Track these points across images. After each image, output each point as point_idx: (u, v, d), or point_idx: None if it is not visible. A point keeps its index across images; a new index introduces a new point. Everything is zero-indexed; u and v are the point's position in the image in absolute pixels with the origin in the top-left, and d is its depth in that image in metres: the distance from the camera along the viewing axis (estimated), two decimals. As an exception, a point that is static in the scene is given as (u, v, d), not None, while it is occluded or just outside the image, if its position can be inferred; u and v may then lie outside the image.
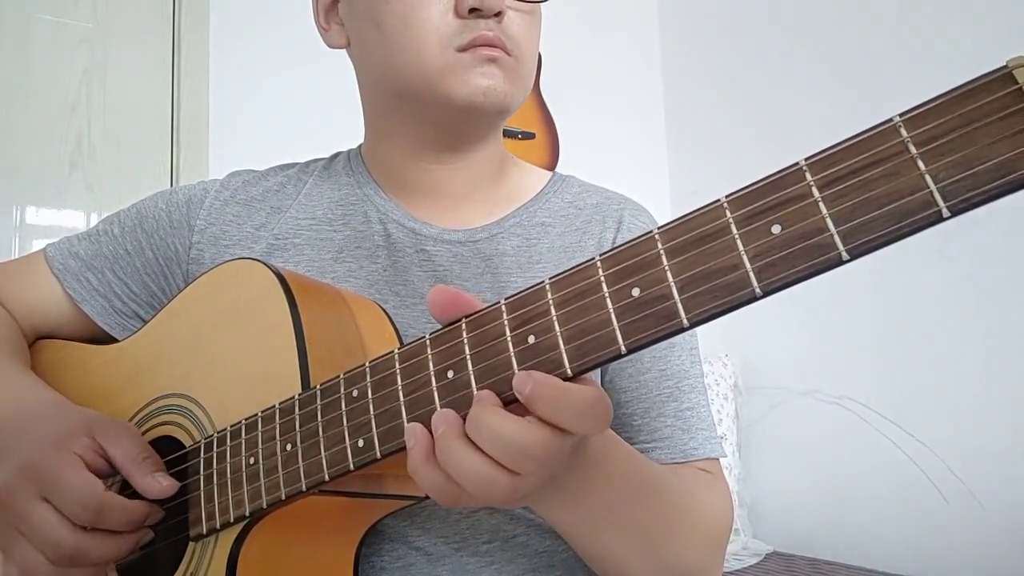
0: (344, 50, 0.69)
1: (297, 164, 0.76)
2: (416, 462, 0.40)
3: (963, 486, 1.72)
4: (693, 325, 0.33)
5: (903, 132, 0.29)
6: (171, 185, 1.81)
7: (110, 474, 0.54)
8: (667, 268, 0.34)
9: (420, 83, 0.61)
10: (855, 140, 0.30)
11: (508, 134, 2.29)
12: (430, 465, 0.40)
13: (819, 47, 2.16)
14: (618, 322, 0.35)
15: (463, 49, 0.59)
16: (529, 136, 2.34)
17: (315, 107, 1.83)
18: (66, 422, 0.55)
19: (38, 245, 1.67)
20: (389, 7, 0.61)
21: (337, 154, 0.76)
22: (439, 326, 0.43)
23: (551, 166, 2.31)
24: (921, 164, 0.28)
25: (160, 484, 0.52)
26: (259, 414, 0.50)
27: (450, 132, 0.65)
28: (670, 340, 0.66)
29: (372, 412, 0.44)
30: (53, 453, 0.51)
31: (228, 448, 0.51)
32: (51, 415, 0.57)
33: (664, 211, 2.13)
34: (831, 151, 0.31)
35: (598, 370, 0.66)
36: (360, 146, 0.75)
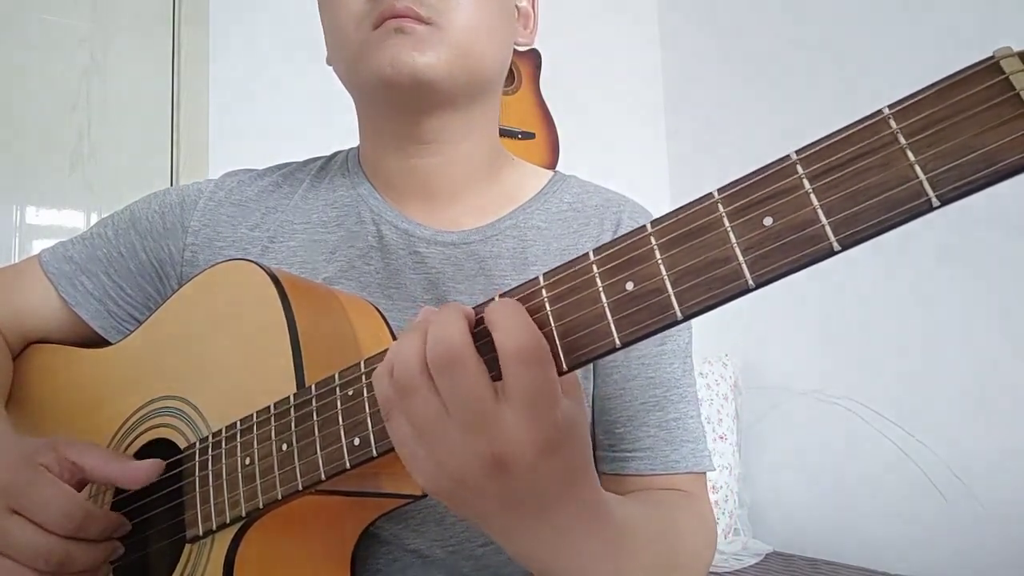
0: None
1: (293, 163, 0.75)
2: (381, 369, 0.40)
3: (963, 486, 1.72)
4: (687, 318, 0.34)
5: (892, 123, 0.29)
6: (171, 185, 1.81)
7: (82, 485, 0.54)
8: (660, 261, 0.34)
9: (351, 70, 0.62)
10: (845, 132, 0.30)
11: (508, 134, 2.29)
12: (391, 375, 0.39)
13: (818, 46, 2.16)
14: (612, 316, 0.35)
15: (376, 27, 0.58)
16: (529, 136, 2.34)
17: (315, 107, 1.83)
18: (23, 445, 0.54)
19: (38, 245, 1.68)
20: (323, 4, 0.63)
21: (336, 153, 0.76)
22: None
23: (551, 166, 2.31)
24: (911, 154, 0.28)
25: (146, 466, 0.53)
26: (254, 415, 0.50)
27: (403, 115, 0.64)
28: (661, 347, 0.66)
29: (368, 410, 0.44)
30: (19, 469, 0.51)
31: (224, 449, 0.51)
32: (4, 444, 0.56)
33: (664, 210, 2.12)
34: (822, 143, 0.31)
35: (590, 376, 0.66)
36: (358, 146, 0.75)
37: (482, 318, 0.38)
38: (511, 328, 0.36)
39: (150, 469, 0.53)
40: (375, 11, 0.58)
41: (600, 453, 0.65)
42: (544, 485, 0.39)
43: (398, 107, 0.63)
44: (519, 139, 2.32)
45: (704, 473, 0.65)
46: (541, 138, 2.37)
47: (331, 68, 0.67)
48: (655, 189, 2.60)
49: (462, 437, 0.37)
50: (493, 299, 0.40)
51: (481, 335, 0.38)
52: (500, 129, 0.73)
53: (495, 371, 0.37)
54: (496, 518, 0.41)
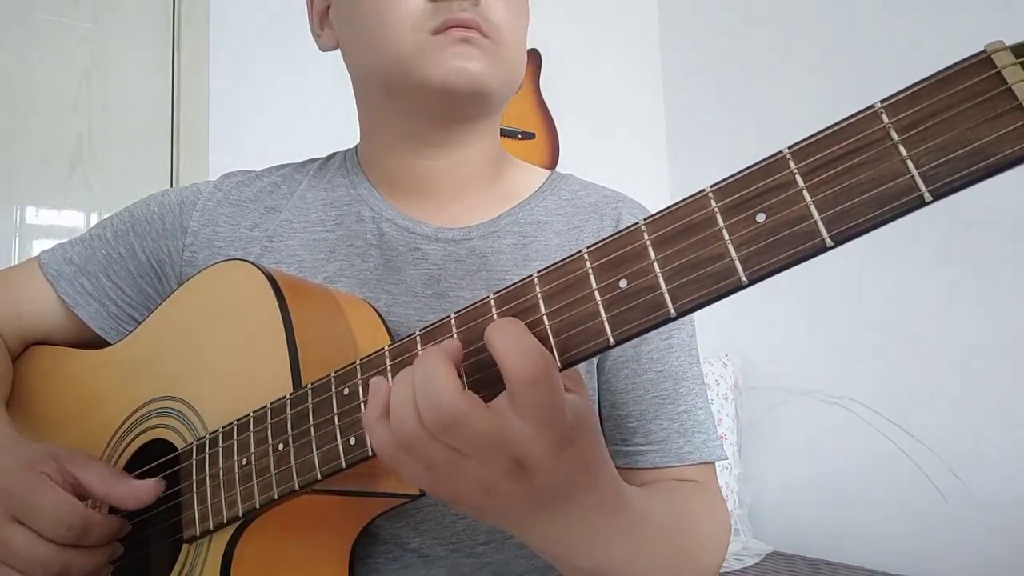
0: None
1: (291, 165, 0.75)
2: (370, 415, 0.40)
3: (963, 486, 1.72)
4: (681, 315, 0.34)
5: (884, 118, 0.29)
6: (171, 185, 1.81)
7: (82, 498, 0.53)
8: (654, 259, 0.34)
9: (398, 70, 0.61)
10: (837, 127, 0.30)
11: (508, 134, 2.29)
12: (383, 420, 0.39)
13: (818, 46, 2.16)
14: (606, 314, 0.35)
15: (437, 32, 0.59)
16: (529, 136, 2.34)
17: (315, 107, 1.84)
18: (26, 451, 0.54)
19: (38, 245, 1.68)
20: (366, 1, 0.62)
21: (334, 154, 0.76)
22: (431, 322, 0.43)
23: (551, 166, 2.31)
24: (903, 150, 0.28)
25: (149, 485, 0.53)
26: (251, 415, 0.50)
27: (436, 120, 0.64)
28: (668, 341, 0.66)
29: (363, 409, 0.44)
30: (21, 476, 0.51)
31: (220, 449, 0.51)
32: (7, 447, 0.56)
33: (664, 211, 2.12)
34: (814, 138, 0.31)
35: (594, 373, 0.66)
36: (356, 147, 0.75)
37: (479, 329, 0.38)
38: (517, 356, 0.36)
39: (150, 491, 0.53)
40: (439, 16, 0.59)
41: (612, 448, 0.65)
42: (565, 476, 0.40)
43: (437, 112, 0.63)
44: (519, 139, 2.32)
45: (714, 463, 0.66)
46: (541, 138, 2.37)
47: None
48: (655, 189, 2.59)
49: (480, 461, 0.38)
50: (487, 299, 0.40)
51: (478, 349, 0.38)
52: (500, 129, 0.73)
53: (498, 384, 0.37)
54: (519, 516, 0.42)
